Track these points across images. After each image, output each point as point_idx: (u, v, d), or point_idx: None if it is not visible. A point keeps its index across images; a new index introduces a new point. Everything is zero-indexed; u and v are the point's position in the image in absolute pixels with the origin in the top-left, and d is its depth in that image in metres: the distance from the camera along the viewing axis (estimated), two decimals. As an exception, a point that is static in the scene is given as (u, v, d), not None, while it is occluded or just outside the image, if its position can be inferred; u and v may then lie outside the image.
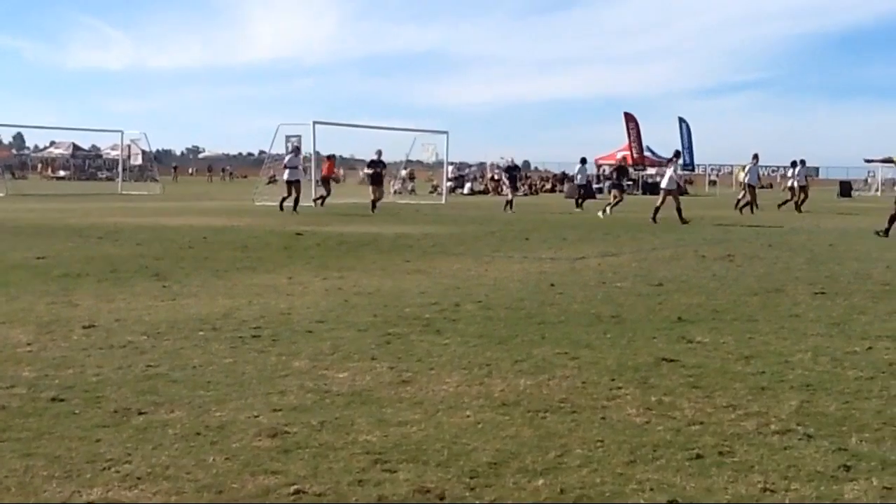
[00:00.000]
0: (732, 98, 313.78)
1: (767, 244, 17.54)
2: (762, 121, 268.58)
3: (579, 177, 36.47)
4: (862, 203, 44.16)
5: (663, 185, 25.57)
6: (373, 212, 27.75)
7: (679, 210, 24.06)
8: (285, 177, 28.51)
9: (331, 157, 35.21)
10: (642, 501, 3.85)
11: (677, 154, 26.69)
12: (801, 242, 18.15)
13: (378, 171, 29.82)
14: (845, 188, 62.34)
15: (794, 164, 33.94)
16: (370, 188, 29.50)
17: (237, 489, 3.94)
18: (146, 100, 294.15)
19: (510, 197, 31.81)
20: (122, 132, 51.69)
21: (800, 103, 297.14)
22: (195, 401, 5.34)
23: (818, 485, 4.07)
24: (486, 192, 53.76)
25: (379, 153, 29.87)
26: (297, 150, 28.77)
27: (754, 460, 4.39)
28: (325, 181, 33.35)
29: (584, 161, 36.13)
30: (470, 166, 68.79)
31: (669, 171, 25.77)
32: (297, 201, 27.63)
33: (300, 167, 29.09)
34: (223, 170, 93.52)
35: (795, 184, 33.32)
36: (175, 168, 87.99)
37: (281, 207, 27.58)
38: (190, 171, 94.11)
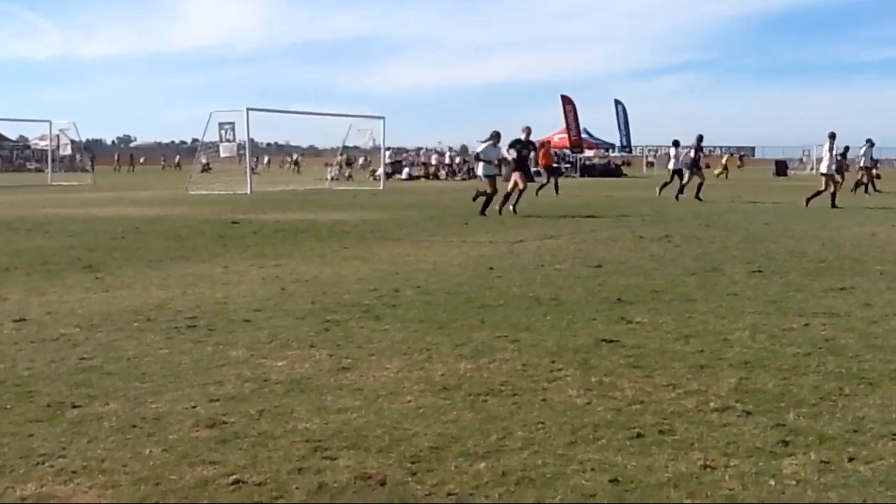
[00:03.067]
0: (668, 79, 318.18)
1: (705, 224, 17.73)
2: (698, 101, 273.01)
3: (673, 161, 30.97)
4: (797, 182, 44.84)
5: (822, 169, 23.99)
6: (514, 210, 20.27)
7: (834, 195, 23.34)
8: (479, 171, 21.57)
9: (545, 144, 33.19)
10: (584, 481, 3.85)
11: (833, 135, 23.71)
12: (737, 222, 18.39)
13: (526, 156, 21.80)
14: (781, 167, 63.43)
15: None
16: (513, 175, 20.81)
17: (175, 481, 3.87)
18: (75, 89, 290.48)
19: (699, 180, 27.20)
20: (50, 122, 50.74)
21: (735, 84, 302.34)
22: (130, 393, 5.24)
23: (757, 460, 4.10)
24: (427, 176, 53.75)
25: (528, 131, 21.83)
26: (496, 136, 21.28)
27: (694, 438, 4.41)
28: (549, 169, 31.81)
29: (676, 144, 32.67)
30: (407, 151, 68.77)
31: (828, 155, 23.80)
32: (489, 200, 20.36)
33: (498, 159, 21.60)
34: (164, 157, 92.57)
35: (863, 163, 31.02)
36: (131, 157, 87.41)
37: (483, 210, 20.17)
38: (142, 159, 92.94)
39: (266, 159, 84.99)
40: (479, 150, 21.78)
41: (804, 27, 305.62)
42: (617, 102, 67.20)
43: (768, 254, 12.30)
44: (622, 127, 67.20)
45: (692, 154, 27.96)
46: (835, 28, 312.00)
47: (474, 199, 21.14)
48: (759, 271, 10.42)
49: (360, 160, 57.85)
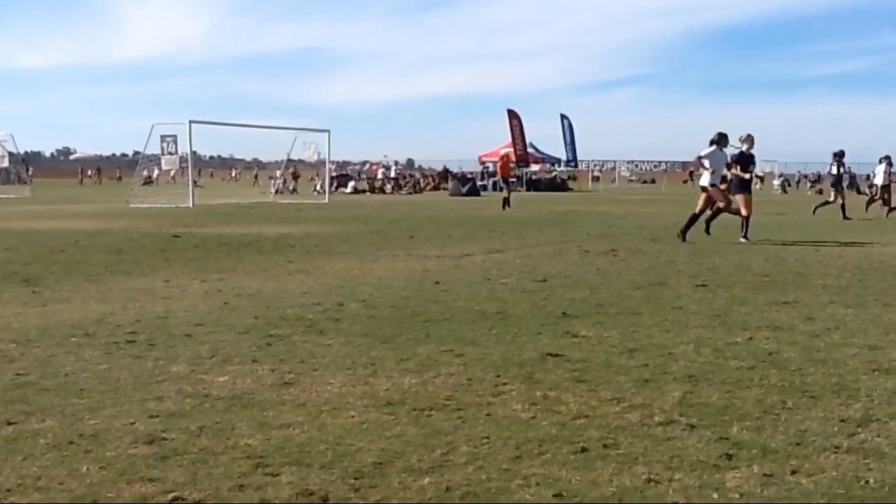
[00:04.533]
0: (614, 94, 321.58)
1: (651, 238, 17.84)
2: (644, 116, 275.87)
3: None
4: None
5: (877, 181, 26.60)
6: (746, 237, 17.02)
7: (892, 208, 24.89)
8: (704, 181, 17.61)
9: (504, 156, 33.60)
10: (528, 496, 3.82)
11: (887, 158, 25.89)
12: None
13: (751, 173, 18.59)
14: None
15: (881, 161, 28.80)
16: (739, 198, 17.64)
17: (112, 498, 3.78)
18: (13, 101, 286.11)
19: (834, 199, 25.61)
20: (-14, 134, 49.88)
21: (681, 98, 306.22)
22: (68, 409, 5.12)
23: (701, 474, 4.10)
24: (372, 190, 53.62)
25: (751, 140, 17.97)
26: (723, 138, 17.40)
27: (638, 452, 4.41)
28: (506, 181, 32.34)
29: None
30: (352, 165, 68.67)
31: (880, 171, 26.49)
32: (747, 219, 17.34)
33: (724, 164, 17.78)
34: (119, 168, 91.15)
35: (879, 181, 28.95)
36: (98, 169, 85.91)
37: (707, 230, 17.52)
38: (90, 172, 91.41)
39: (237, 172, 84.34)
40: (702, 153, 17.48)
41: (750, 43, 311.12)
42: (563, 117, 67.68)
43: (714, 267, 12.41)
44: (568, 141, 67.66)
45: (834, 171, 26.64)
46: (779, 44, 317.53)
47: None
48: (704, 285, 10.50)
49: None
